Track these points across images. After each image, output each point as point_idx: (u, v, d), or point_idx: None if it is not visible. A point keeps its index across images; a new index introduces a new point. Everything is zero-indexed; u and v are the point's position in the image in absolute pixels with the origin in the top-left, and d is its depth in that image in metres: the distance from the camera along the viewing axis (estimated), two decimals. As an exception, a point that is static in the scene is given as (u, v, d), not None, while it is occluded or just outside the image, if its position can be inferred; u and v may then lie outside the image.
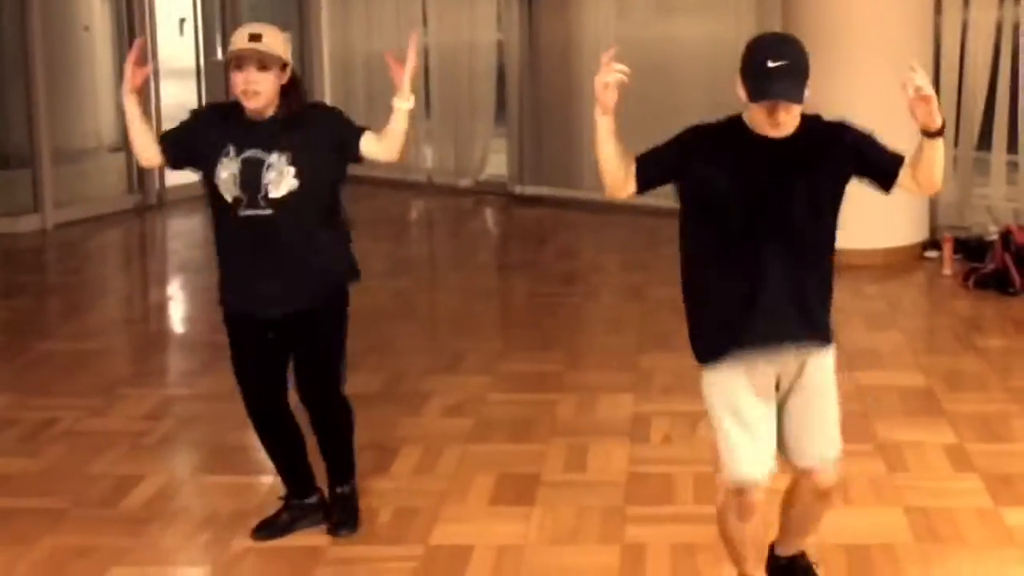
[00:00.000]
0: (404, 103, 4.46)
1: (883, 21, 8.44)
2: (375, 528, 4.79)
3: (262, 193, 4.32)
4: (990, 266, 8.03)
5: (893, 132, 8.99)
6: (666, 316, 7.56)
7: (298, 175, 4.33)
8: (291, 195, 4.33)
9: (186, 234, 10.27)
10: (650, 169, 3.85)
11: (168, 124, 11.26)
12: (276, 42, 4.33)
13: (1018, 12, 9.00)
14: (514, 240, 10.25)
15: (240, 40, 4.30)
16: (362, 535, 4.73)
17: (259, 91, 4.27)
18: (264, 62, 4.27)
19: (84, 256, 9.50)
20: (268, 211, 4.32)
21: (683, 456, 5.41)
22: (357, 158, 4.50)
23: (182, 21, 13.18)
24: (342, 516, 4.71)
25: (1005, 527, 4.69)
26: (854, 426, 5.71)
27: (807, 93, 3.70)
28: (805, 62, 3.72)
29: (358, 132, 4.48)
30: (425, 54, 11.67)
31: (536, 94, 11.00)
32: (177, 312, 8.28)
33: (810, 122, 3.83)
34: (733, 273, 3.76)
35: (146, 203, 10.67)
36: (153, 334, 7.76)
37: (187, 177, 11.58)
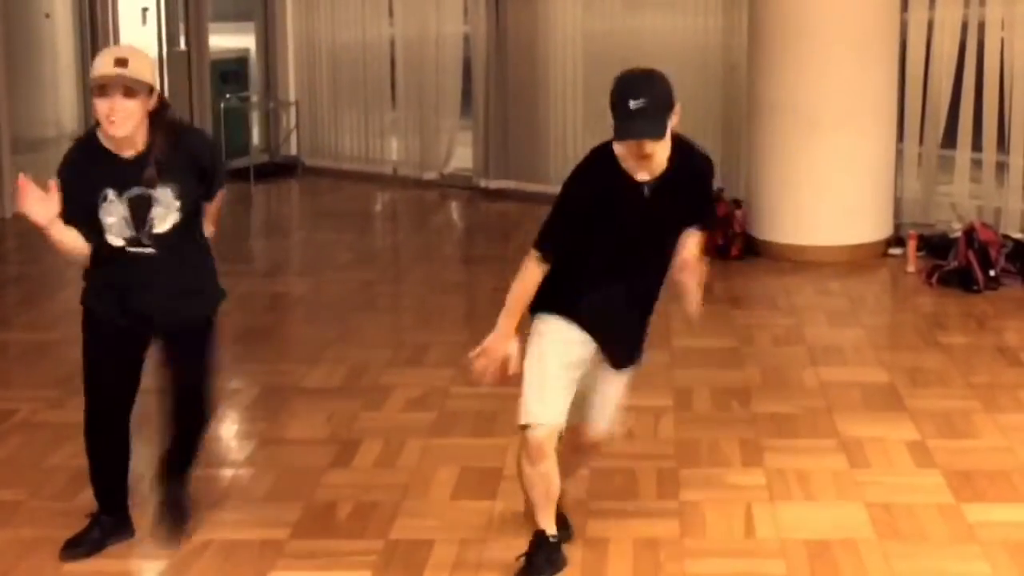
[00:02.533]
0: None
1: (849, 17, 8.45)
2: (335, 522, 4.76)
3: (146, 229, 4.24)
4: (954, 263, 8.05)
5: (857, 126, 9.07)
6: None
7: (181, 208, 4.26)
8: (173, 228, 4.27)
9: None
10: (561, 247, 4.09)
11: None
12: (143, 67, 4.16)
13: (984, 11, 9.03)
14: (479, 233, 10.21)
15: (104, 65, 4.11)
16: (323, 528, 4.70)
17: (125, 119, 4.10)
18: (130, 89, 4.10)
19: (43, 246, 9.26)
20: (150, 248, 4.25)
21: (646, 451, 5.40)
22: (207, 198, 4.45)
23: (144, 11, 13.04)
24: (175, 515, 4.64)
25: (966, 523, 4.70)
26: (817, 422, 5.75)
27: (671, 124, 3.89)
28: (666, 98, 3.89)
29: (218, 187, 4.44)
30: (391, 46, 11.62)
31: (503, 87, 10.96)
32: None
33: (681, 158, 4.01)
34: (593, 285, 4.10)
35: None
36: (113, 325, 7.68)
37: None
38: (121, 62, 4.10)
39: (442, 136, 11.36)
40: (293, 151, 12.15)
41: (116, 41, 10.77)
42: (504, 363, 4.16)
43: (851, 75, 8.48)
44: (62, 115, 11.92)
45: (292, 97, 12.11)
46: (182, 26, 11.69)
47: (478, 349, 4.18)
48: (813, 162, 8.56)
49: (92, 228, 4.24)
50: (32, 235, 9.78)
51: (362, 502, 4.90)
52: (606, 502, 4.85)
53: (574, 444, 4.37)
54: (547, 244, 4.08)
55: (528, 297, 4.16)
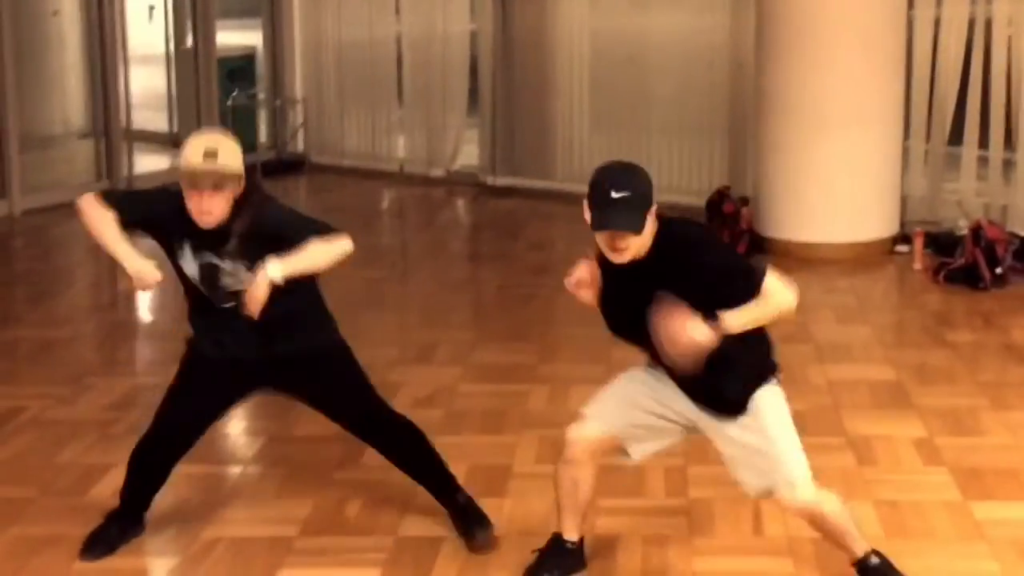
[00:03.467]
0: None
1: (856, 14, 8.46)
2: (344, 519, 4.78)
3: (222, 291, 4.26)
4: (960, 261, 8.05)
5: (864, 123, 9.06)
6: (637, 308, 7.56)
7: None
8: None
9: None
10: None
11: (138, 112, 11.29)
12: (231, 157, 4.13)
13: (991, 8, 9.03)
14: (486, 231, 10.22)
15: (194, 156, 4.08)
16: (332, 525, 4.72)
17: (213, 212, 4.11)
18: (220, 183, 4.09)
19: (52, 243, 9.42)
20: (233, 303, 4.24)
21: (654, 448, 5.40)
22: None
23: (151, 8, 13.07)
24: (472, 521, 4.58)
25: (974, 520, 4.71)
26: (824, 420, 5.76)
27: (649, 220, 3.80)
28: (647, 192, 3.82)
29: (305, 237, 4.25)
30: (398, 43, 11.63)
31: (509, 85, 10.97)
32: (145, 300, 8.21)
33: (663, 241, 3.87)
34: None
35: (114, 189, 10.58)
36: (121, 322, 7.71)
37: (156, 164, 11.52)
38: (211, 154, 4.08)
39: (449, 133, 11.37)
40: (300, 148, 12.16)
41: (123, 38, 10.77)
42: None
43: (858, 72, 8.49)
44: (69, 112, 11.95)
45: (299, 94, 12.12)
46: (189, 24, 11.71)
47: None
48: (820, 159, 8.56)
49: (173, 264, 4.28)
50: (41, 232, 9.81)
51: (371, 499, 4.91)
52: (614, 499, 4.86)
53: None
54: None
55: None
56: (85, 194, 4.32)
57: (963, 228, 8.42)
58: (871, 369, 6.49)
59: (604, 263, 3.96)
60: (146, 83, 12.40)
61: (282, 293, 4.19)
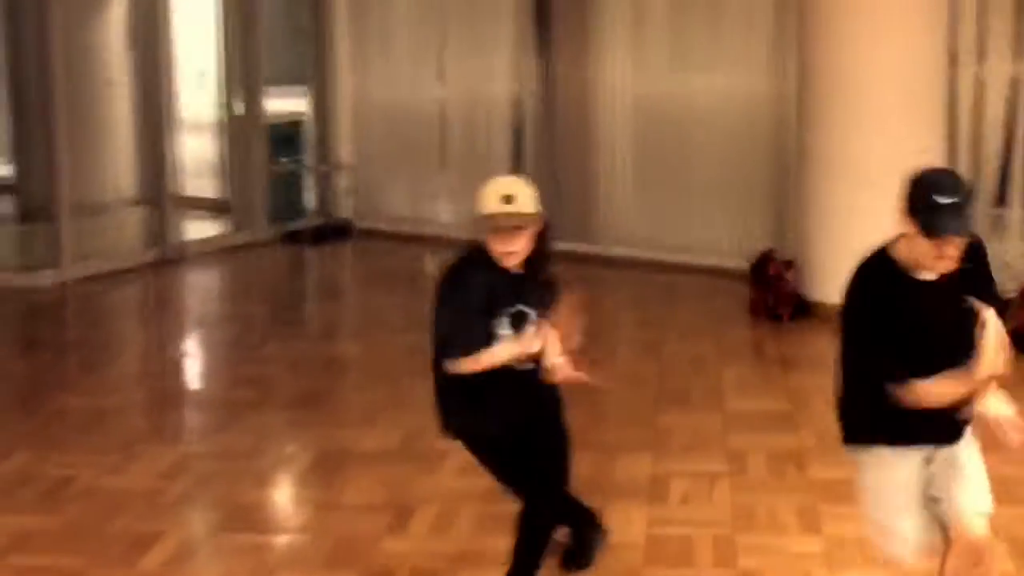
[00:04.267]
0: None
1: (898, 73, 8.46)
2: (392, 589, 4.78)
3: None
4: (1010, 324, 7.97)
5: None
6: (683, 373, 7.56)
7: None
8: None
9: (204, 289, 10.31)
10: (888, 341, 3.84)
11: (189, 179, 11.42)
12: (528, 198, 4.27)
13: (1033, 68, 9.03)
14: (531, 294, 10.23)
15: (494, 202, 4.22)
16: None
17: (516, 251, 4.24)
18: (521, 225, 4.24)
19: (102, 311, 9.53)
20: (531, 365, 4.35)
21: (702, 517, 5.39)
22: None
23: (202, 75, 13.26)
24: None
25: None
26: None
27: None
28: (971, 199, 3.83)
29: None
30: (442, 108, 11.73)
31: (552, 148, 11.04)
32: (194, 368, 8.29)
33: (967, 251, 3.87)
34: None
35: (165, 257, 10.70)
36: (170, 390, 7.77)
37: (205, 231, 11.64)
38: (508, 199, 4.22)
39: (493, 197, 11.42)
40: (346, 214, 12.26)
41: (175, 106, 10.93)
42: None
43: (900, 131, 8.48)
44: (121, 179, 12.11)
45: (345, 160, 12.24)
46: (239, 90, 11.87)
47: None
48: (864, 220, 8.52)
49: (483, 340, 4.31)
50: (92, 300, 9.91)
51: (417, 569, 4.92)
52: (662, 569, 4.85)
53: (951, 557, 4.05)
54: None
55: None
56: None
57: (1012, 291, 8.36)
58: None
59: (890, 288, 3.80)
60: (196, 150, 12.56)
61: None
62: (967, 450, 4.06)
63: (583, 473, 5.94)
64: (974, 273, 3.90)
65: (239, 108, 11.79)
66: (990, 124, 9.11)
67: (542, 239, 4.35)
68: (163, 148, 10.82)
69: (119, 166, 12.08)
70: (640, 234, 10.49)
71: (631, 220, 10.50)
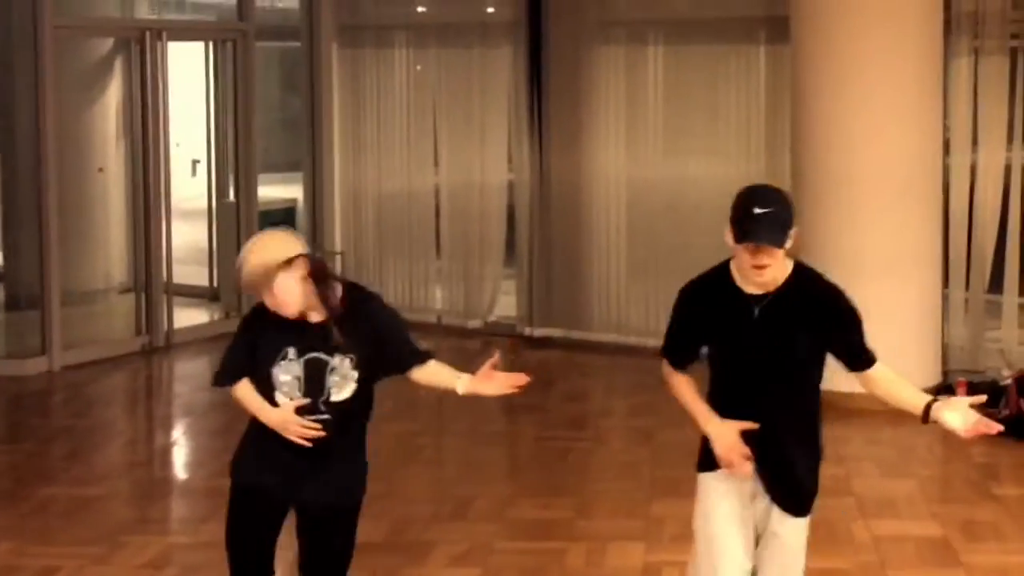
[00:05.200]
0: (460, 387, 4.42)
1: (891, 161, 8.47)
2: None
3: (324, 397, 4.23)
4: (1005, 411, 7.93)
5: (902, 272, 9.02)
6: (676, 461, 7.45)
7: (359, 378, 4.23)
8: (350, 398, 4.24)
9: (192, 377, 10.22)
10: (681, 353, 4.23)
11: (179, 267, 11.39)
12: (278, 252, 4.16)
13: (1025, 154, 9.06)
14: (523, 382, 10.16)
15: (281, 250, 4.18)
16: None
17: (290, 304, 4.16)
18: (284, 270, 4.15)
19: (90, 399, 9.44)
20: (326, 415, 4.22)
21: (694, 609, 5.27)
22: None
23: (195, 163, 13.29)
24: None
25: None
26: (870, 579, 5.62)
27: (788, 242, 3.96)
28: (790, 213, 4.00)
29: (421, 359, 4.37)
30: (436, 195, 11.74)
31: (546, 235, 11.03)
32: (181, 457, 8.20)
33: (801, 278, 4.06)
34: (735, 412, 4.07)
35: (153, 345, 10.63)
36: (157, 479, 7.67)
37: (194, 319, 11.58)
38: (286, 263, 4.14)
39: (486, 284, 11.41)
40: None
41: (167, 194, 10.92)
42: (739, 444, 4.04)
43: (894, 220, 8.48)
44: (111, 267, 12.07)
45: (338, 246, 12.23)
46: (231, 177, 11.88)
47: (722, 458, 4.06)
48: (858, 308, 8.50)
49: (263, 385, 4.25)
50: (80, 388, 9.83)
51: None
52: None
53: None
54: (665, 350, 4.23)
55: (689, 390, 4.20)
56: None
57: (1007, 378, 8.31)
58: (916, 525, 6.36)
59: (718, 298, 4.05)
60: (187, 237, 12.54)
61: (354, 420, 4.28)
62: (792, 533, 4.13)
63: (575, 565, 5.86)
64: (815, 313, 4.04)
65: (231, 195, 11.79)
66: (986, 212, 9.11)
67: (327, 284, 4.21)
68: (154, 235, 10.79)
69: (110, 253, 12.05)
70: (634, 321, 10.44)
71: (624, 306, 10.46)
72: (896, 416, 8.32)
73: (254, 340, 4.28)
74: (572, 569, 5.81)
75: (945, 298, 9.02)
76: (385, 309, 4.38)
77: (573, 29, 10.75)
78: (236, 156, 11.63)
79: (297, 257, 4.17)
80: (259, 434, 4.32)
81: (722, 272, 4.11)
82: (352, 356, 4.20)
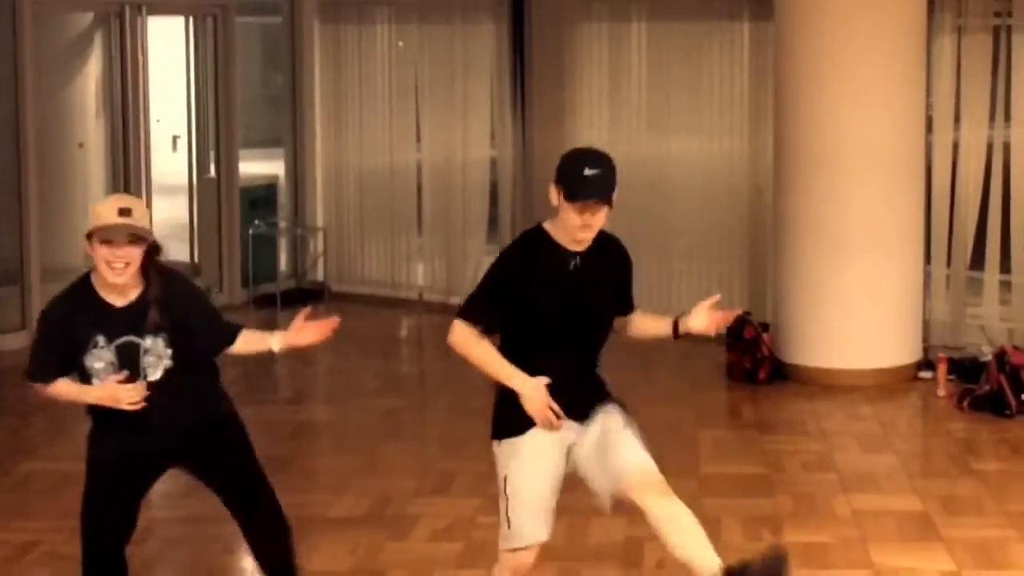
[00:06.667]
0: (275, 344, 4.55)
1: (875, 139, 8.48)
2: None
3: (140, 378, 4.31)
4: (985, 387, 7.96)
5: (884, 248, 9.04)
6: (659, 437, 7.43)
7: (173, 356, 4.34)
8: (167, 373, 4.35)
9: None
10: (492, 315, 4.35)
11: (160, 241, 11.32)
12: (145, 216, 4.32)
13: (1008, 132, 9.06)
14: (505, 358, 10.16)
15: (109, 214, 4.25)
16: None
17: (127, 264, 4.23)
18: (135, 237, 4.24)
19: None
20: (146, 392, 4.31)
21: (676, 583, 5.29)
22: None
23: (176, 138, 13.24)
24: None
25: (1006, 658, 4.58)
26: (850, 552, 5.65)
27: (612, 201, 4.17)
28: (614, 176, 4.21)
29: (229, 340, 4.51)
30: (418, 171, 11.71)
31: (529, 211, 11.00)
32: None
33: (605, 242, 4.36)
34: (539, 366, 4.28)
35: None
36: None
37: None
38: (125, 212, 4.25)
39: (468, 261, 11.39)
40: (320, 277, 12.20)
41: (147, 169, 10.88)
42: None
43: (877, 197, 8.49)
44: (92, 243, 12.01)
45: (320, 223, 12.20)
46: (212, 153, 11.83)
47: (537, 416, 4.28)
48: (841, 285, 8.53)
49: (78, 373, 4.35)
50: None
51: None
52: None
53: (643, 506, 4.33)
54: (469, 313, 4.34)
55: (493, 351, 4.38)
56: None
57: (987, 354, 8.35)
58: (897, 499, 6.38)
59: (543, 260, 4.22)
60: (168, 213, 12.49)
61: (196, 369, 4.41)
62: (610, 426, 4.34)
63: (556, 538, 5.85)
64: (624, 275, 4.46)
65: (212, 171, 11.74)
66: (968, 190, 9.12)
67: (155, 269, 4.34)
68: (135, 211, 10.74)
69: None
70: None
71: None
72: (876, 392, 8.42)
73: (60, 336, 4.33)
74: (554, 544, 5.76)
75: (927, 275, 9.04)
76: (196, 289, 4.65)
77: (556, 5, 10.73)
78: (217, 132, 11.58)
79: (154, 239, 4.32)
80: (99, 417, 4.41)
81: (538, 232, 4.32)
82: (165, 335, 4.31)
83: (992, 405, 7.85)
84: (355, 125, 11.88)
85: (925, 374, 8.64)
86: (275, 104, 12.48)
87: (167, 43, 12.22)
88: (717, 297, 4.50)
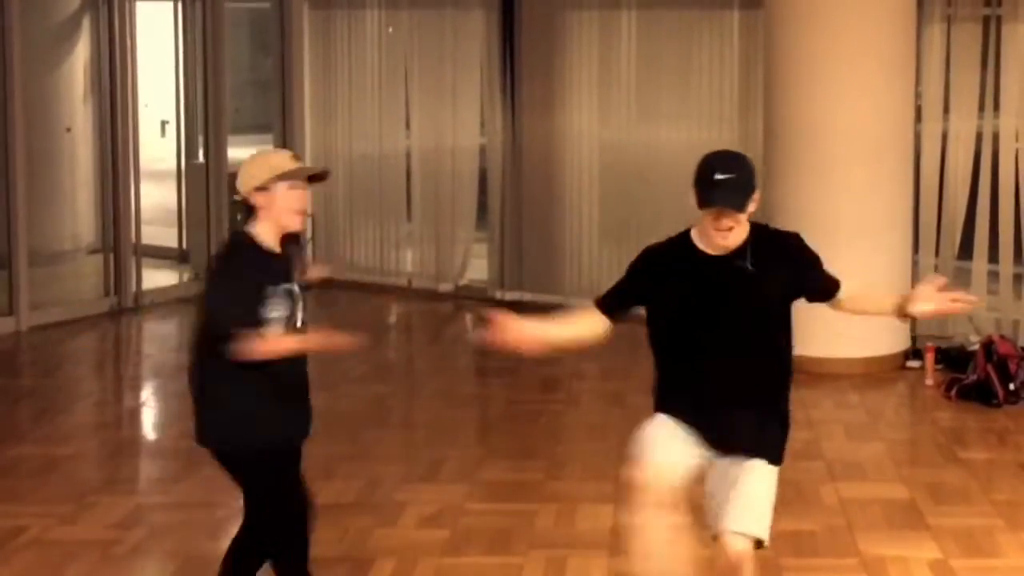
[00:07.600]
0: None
1: (864, 128, 8.48)
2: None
3: (294, 325, 4.32)
4: (972, 377, 7.99)
5: (873, 237, 9.05)
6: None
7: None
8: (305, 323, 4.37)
9: (161, 338, 10.18)
10: (617, 303, 4.43)
11: (148, 228, 11.31)
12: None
13: (997, 122, 9.07)
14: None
15: (286, 162, 4.32)
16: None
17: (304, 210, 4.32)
18: (319, 175, 4.44)
19: (58, 360, 9.38)
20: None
21: (664, 570, 5.30)
22: None
23: (164, 123, 13.18)
24: None
25: (993, 646, 4.59)
26: (837, 540, 5.66)
27: (752, 206, 4.12)
28: (751, 177, 4.14)
29: None
30: (407, 157, 11.69)
31: (518, 199, 11.01)
32: (150, 418, 8.16)
33: (757, 234, 4.21)
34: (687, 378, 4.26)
35: (122, 306, 10.57)
36: (125, 440, 7.63)
37: (163, 281, 11.52)
38: (297, 157, 4.41)
39: (457, 248, 11.39)
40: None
41: (135, 154, 10.84)
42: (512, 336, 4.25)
43: (866, 186, 8.50)
44: (80, 228, 11.99)
45: (308, 208, 12.16)
46: (201, 139, 11.79)
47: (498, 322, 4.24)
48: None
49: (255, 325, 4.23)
50: (47, 348, 9.77)
51: (375, 623, 4.81)
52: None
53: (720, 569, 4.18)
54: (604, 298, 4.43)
55: (570, 327, 4.44)
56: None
57: (974, 343, 8.37)
58: (884, 487, 6.40)
59: (685, 256, 4.16)
60: (156, 198, 12.46)
61: None
62: (749, 470, 4.22)
63: (545, 526, 5.87)
64: (801, 266, 4.28)
65: (200, 156, 11.71)
66: (956, 179, 9.13)
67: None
68: (123, 196, 10.71)
69: (78, 214, 11.97)
70: (605, 284, 10.32)
71: (595, 270, 10.45)
72: (864, 381, 8.43)
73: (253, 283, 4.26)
74: (542, 531, 5.82)
75: (915, 264, 9.06)
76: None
77: (546, -8, 10.71)
78: (206, 117, 11.53)
79: None
80: (253, 395, 4.34)
81: (684, 237, 4.27)
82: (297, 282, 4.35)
83: (979, 394, 7.88)
84: (344, 111, 11.85)
85: (913, 363, 8.66)
86: (264, 90, 12.45)
87: (155, 27, 12.17)
88: (944, 280, 4.29)
